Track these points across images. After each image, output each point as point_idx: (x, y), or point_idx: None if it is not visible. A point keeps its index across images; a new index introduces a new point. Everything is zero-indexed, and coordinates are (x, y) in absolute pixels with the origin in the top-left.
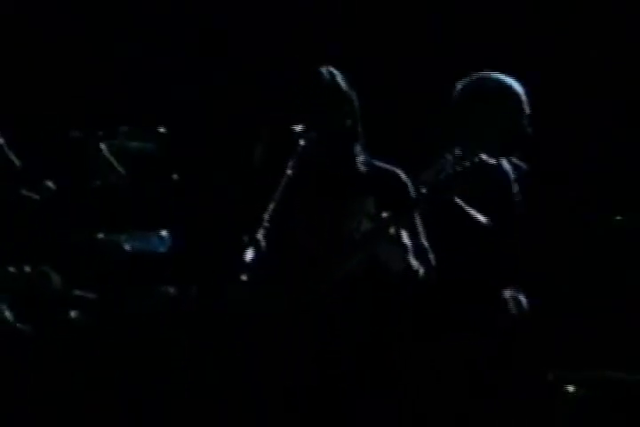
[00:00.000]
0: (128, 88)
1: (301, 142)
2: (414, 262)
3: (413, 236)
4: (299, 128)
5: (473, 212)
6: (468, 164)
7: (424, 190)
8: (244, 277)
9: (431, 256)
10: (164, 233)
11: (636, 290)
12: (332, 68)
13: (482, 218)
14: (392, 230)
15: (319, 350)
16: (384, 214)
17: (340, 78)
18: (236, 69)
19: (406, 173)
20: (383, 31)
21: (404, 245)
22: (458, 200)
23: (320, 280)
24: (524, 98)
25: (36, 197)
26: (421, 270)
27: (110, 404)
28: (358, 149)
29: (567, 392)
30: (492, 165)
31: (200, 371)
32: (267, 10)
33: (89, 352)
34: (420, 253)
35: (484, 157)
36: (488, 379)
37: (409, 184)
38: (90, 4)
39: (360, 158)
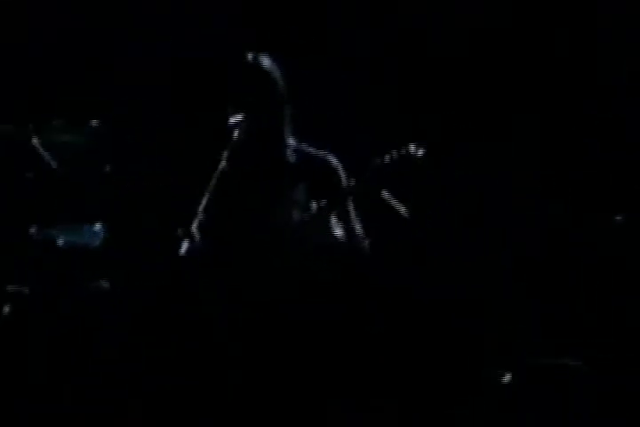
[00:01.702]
0: (58, 80)
1: (235, 133)
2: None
3: (346, 222)
4: (232, 119)
5: (397, 205)
6: (395, 155)
7: (352, 182)
8: (179, 270)
9: (365, 242)
10: (97, 226)
11: (635, 289)
12: (258, 53)
13: (404, 211)
14: (324, 219)
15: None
16: (315, 204)
17: (267, 63)
18: (166, 58)
19: (337, 157)
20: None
21: (334, 234)
22: (384, 193)
23: (254, 270)
24: None
25: None
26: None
27: (42, 402)
28: (288, 134)
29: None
30: (420, 156)
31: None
32: None
33: (21, 348)
34: (353, 239)
35: (411, 147)
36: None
37: (339, 170)
38: None
39: (290, 145)
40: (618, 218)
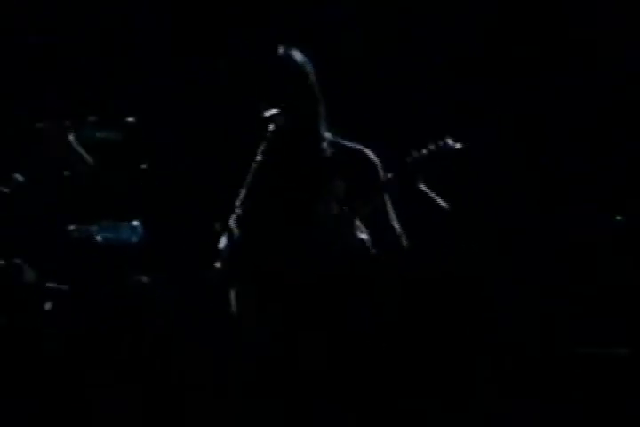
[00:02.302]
0: (96, 78)
1: (270, 127)
2: (375, 251)
3: (383, 218)
4: (268, 113)
5: (436, 197)
6: (432, 147)
7: (390, 175)
8: (217, 265)
9: (403, 236)
10: (135, 223)
11: (636, 290)
12: (290, 49)
13: (444, 204)
14: (356, 222)
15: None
16: (353, 198)
17: (299, 57)
18: (203, 57)
19: (374, 150)
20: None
21: (363, 238)
22: (422, 186)
23: (292, 265)
24: None
25: (6, 190)
26: (383, 257)
27: (85, 397)
28: (324, 128)
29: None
30: (457, 148)
31: (179, 361)
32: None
33: (64, 344)
34: (390, 234)
35: (449, 140)
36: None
37: (377, 163)
38: None
39: (326, 139)
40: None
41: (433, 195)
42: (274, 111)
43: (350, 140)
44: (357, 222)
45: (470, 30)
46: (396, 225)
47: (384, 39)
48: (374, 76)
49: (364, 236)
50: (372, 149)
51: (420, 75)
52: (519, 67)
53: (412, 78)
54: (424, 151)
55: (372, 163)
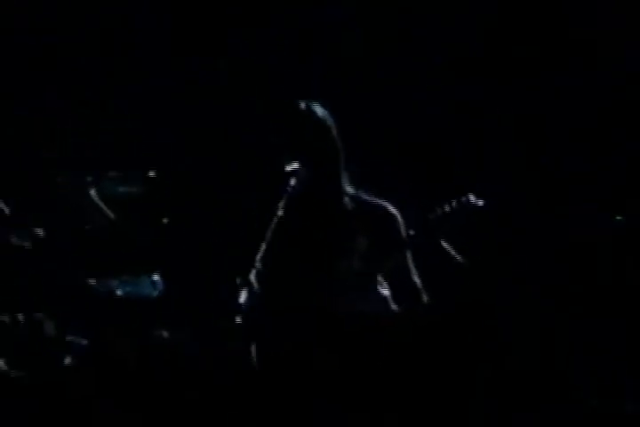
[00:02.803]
0: (116, 133)
1: (292, 182)
2: (396, 309)
3: (405, 274)
4: (289, 167)
5: (458, 256)
6: (455, 205)
7: (412, 232)
8: (238, 320)
9: (423, 295)
10: (155, 277)
11: (636, 290)
12: (310, 102)
13: (463, 262)
14: (378, 279)
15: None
16: (375, 253)
17: (320, 111)
18: (220, 108)
19: (394, 205)
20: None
21: (385, 295)
22: (444, 243)
23: (313, 319)
24: None
25: (27, 244)
26: (404, 314)
27: None
28: (345, 182)
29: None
30: (479, 205)
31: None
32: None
33: (84, 398)
34: (411, 291)
35: (471, 197)
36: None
37: (398, 219)
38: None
39: (348, 193)
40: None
41: (453, 252)
42: (295, 166)
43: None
44: (379, 278)
45: (470, 30)
46: (417, 280)
47: (384, 39)
48: (374, 75)
49: (385, 292)
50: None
51: (420, 75)
52: (519, 67)
53: (412, 78)
54: (447, 208)
55: (393, 218)
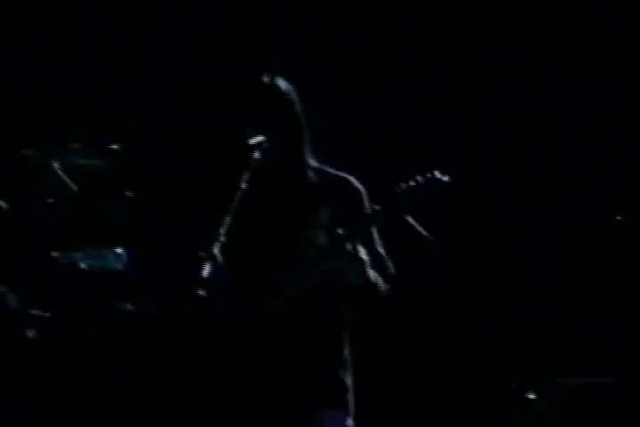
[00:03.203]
0: (80, 105)
1: (255, 155)
2: (373, 275)
3: (370, 245)
4: (252, 141)
5: (422, 230)
6: (421, 179)
7: (377, 207)
8: (201, 293)
9: (390, 265)
10: (119, 250)
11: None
12: (274, 75)
13: (429, 236)
14: (349, 245)
15: (271, 369)
16: (340, 230)
17: (283, 84)
18: (184, 82)
19: (358, 178)
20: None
21: (361, 259)
22: (409, 218)
23: (275, 296)
24: None
25: None
26: (380, 282)
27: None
28: (309, 156)
29: (528, 399)
30: (444, 180)
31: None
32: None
33: (47, 372)
34: (378, 262)
35: (437, 173)
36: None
37: (362, 192)
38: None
39: (312, 166)
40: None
41: (419, 227)
42: (259, 139)
43: (334, 165)
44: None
45: (470, 30)
46: (383, 252)
47: (384, 39)
48: (375, 75)
49: (363, 256)
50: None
51: (420, 75)
52: (519, 67)
53: (412, 78)
54: (412, 184)
55: (358, 191)
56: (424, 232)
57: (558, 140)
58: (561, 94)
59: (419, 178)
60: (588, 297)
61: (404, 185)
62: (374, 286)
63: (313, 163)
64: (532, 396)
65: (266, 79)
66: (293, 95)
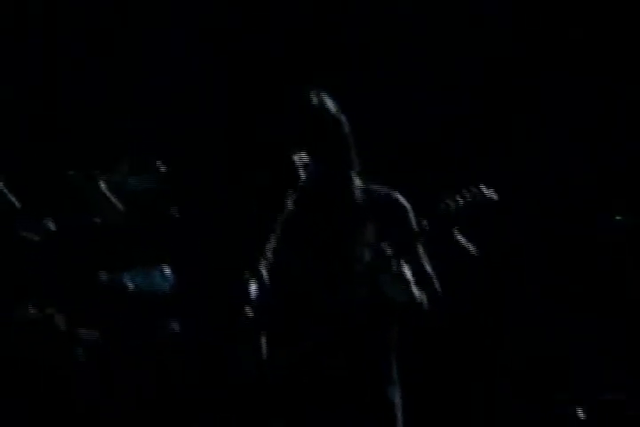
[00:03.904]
0: (126, 124)
1: (302, 174)
2: (417, 294)
3: (416, 263)
4: (298, 160)
5: (471, 248)
6: (468, 197)
7: (425, 223)
8: (248, 312)
9: (437, 284)
10: (166, 270)
11: (636, 290)
12: (320, 93)
13: (477, 254)
14: (394, 263)
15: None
16: (385, 247)
17: (329, 102)
18: (227, 104)
19: (405, 195)
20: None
21: (406, 278)
22: (458, 235)
23: (322, 313)
24: None
25: (38, 237)
26: (425, 301)
27: None
28: (354, 175)
29: (577, 415)
30: (493, 198)
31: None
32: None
33: (95, 392)
34: (424, 281)
35: (484, 189)
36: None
37: (408, 209)
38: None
39: (357, 185)
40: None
41: (466, 243)
42: (305, 159)
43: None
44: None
45: (471, 30)
46: (430, 270)
47: (385, 39)
48: (384, 70)
49: (409, 275)
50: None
51: (421, 74)
52: (519, 66)
53: (413, 78)
54: (460, 200)
55: (404, 209)
56: (471, 248)
57: (558, 140)
58: (561, 94)
59: (465, 193)
60: (587, 297)
61: (450, 201)
62: (419, 304)
63: (360, 181)
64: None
65: (314, 98)
66: (340, 113)
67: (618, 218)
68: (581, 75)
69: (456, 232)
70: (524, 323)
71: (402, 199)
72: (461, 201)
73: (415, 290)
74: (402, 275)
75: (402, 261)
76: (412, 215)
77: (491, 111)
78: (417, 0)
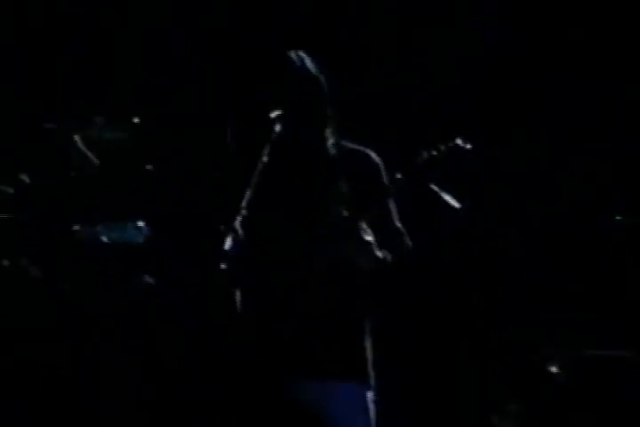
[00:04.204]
0: (101, 79)
1: (276, 128)
2: (381, 254)
3: (387, 219)
4: (273, 114)
5: (447, 197)
6: (442, 148)
7: (398, 176)
8: (223, 266)
9: (407, 239)
10: (140, 223)
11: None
12: (300, 52)
13: (455, 203)
14: (355, 226)
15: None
16: (345, 212)
17: (309, 62)
18: (208, 58)
19: (378, 152)
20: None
21: (368, 241)
22: (433, 186)
23: (296, 268)
24: None
25: (11, 190)
26: (389, 260)
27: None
28: (329, 132)
29: (551, 372)
30: (468, 149)
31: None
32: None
33: (68, 344)
34: (394, 236)
35: (459, 141)
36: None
37: (380, 165)
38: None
39: (331, 141)
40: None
41: (444, 195)
42: (279, 113)
43: (355, 142)
44: (363, 225)
45: (470, 30)
46: (400, 226)
47: (385, 39)
48: (376, 74)
49: (369, 238)
50: (379, 147)
51: (420, 75)
52: (519, 66)
53: (412, 78)
54: (434, 152)
55: (375, 164)
56: (451, 200)
57: (558, 139)
58: (561, 94)
59: (441, 147)
60: (587, 297)
61: (425, 154)
62: (383, 265)
63: (334, 136)
64: (554, 369)
65: (292, 55)
66: (319, 71)
67: (618, 218)
68: (581, 75)
69: (433, 185)
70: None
71: (374, 155)
72: (436, 153)
73: (377, 250)
74: (363, 239)
75: (364, 224)
76: (383, 171)
77: (490, 111)
78: (417, 0)
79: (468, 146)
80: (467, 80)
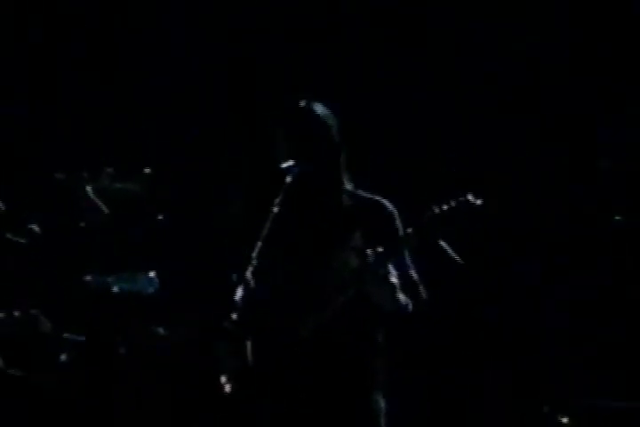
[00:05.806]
0: (113, 130)
1: (288, 178)
2: (403, 299)
3: (403, 269)
4: (285, 164)
5: (455, 255)
6: (453, 204)
7: (409, 230)
8: (234, 317)
9: (422, 289)
10: (151, 274)
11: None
12: (313, 101)
13: (461, 261)
14: (380, 268)
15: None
16: (371, 251)
17: (321, 110)
18: (219, 110)
19: (393, 202)
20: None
21: (391, 283)
22: (442, 243)
23: (308, 318)
24: None
25: (22, 240)
26: (411, 306)
27: None
28: (344, 180)
29: (562, 423)
30: (478, 205)
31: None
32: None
33: (79, 395)
34: (410, 286)
35: (469, 197)
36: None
37: (395, 215)
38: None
39: (346, 190)
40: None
41: (451, 251)
42: (291, 163)
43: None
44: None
45: (471, 30)
46: (416, 276)
47: (385, 39)
48: (377, 75)
49: (394, 280)
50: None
51: (421, 75)
52: (519, 66)
53: (413, 78)
54: (445, 207)
55: (391, 214)
56: (456, 257)
57: (559, 139)
58: (560, 94)
59: (451, 201)
60: (587, 297)
61: (436, 209)
62: (405, 309)
63: (348, 187)
64: (565, 420)
65: (303, 103)
66: (331, 119)
67: (618, 218)
68: (582, 75)
69: (441, 240)
70: (514, 326)
71: (389, 205)
72: (446, 208)
73: (401, 295)
74: (388, 280)
75: (388, 267)
76: (398, 221)
77: (490, 110)
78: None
79: (479, 202)
80: (477, 133)
